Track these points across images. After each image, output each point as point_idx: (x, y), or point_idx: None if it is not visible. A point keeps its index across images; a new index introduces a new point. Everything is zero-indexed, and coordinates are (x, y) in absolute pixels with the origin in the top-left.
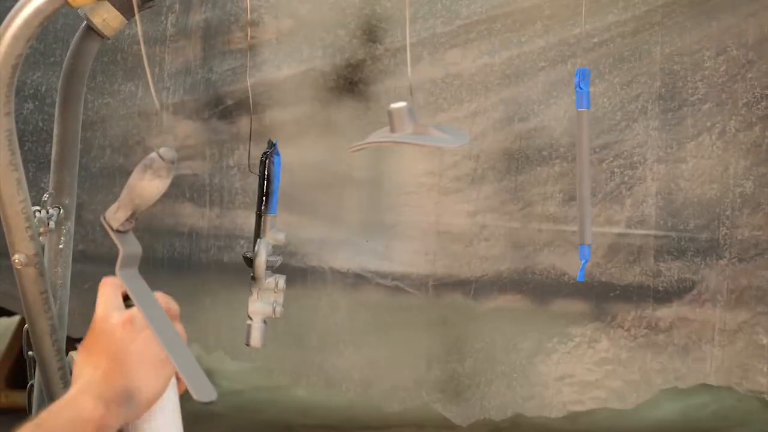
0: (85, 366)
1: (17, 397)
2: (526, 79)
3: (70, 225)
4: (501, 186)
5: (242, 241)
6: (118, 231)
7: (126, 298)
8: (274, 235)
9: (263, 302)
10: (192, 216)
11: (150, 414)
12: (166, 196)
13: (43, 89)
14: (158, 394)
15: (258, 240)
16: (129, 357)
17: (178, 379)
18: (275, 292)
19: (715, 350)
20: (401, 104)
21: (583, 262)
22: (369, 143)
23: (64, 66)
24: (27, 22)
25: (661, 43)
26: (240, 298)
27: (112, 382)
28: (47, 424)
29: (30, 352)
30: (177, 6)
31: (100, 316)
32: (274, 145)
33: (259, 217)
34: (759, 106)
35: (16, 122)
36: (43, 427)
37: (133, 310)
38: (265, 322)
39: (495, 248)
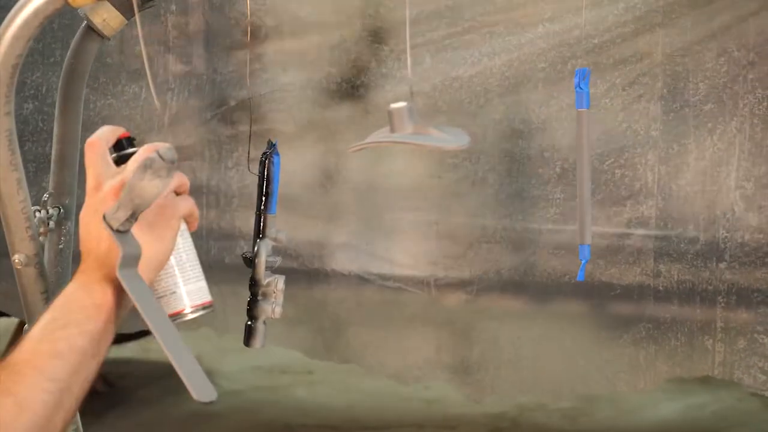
0: (87, 243)
1: None
2: (527, 80)
3: (70, 225)
4: (501, 188)
5: (241, 242)
6: (118, 231)
7: (115, 147)
8: (273, 236)
9: (262, 303)
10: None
11: (165, 271)
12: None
13: (44, 89)
14: (167, 255)
15: (257, 240)
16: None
17: (187, 222)
18: (274, 292)
19: (716, 350)
20: (401, 104)
21: (583, 262)
22: (369, 143)
23: (64, 66)
24: (27, 23)
25: (662, 44)
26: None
27: (117, 257)
28: (60, 317)
29: None
30: (179, 8)
31: (93, 186)
32: (274, 145)
33: (258, 217)
34: (760, 107)
35: (16, 122)
36: (57, 322)
37: (126, 174)
38: (264, 322)
39: (496, 250)
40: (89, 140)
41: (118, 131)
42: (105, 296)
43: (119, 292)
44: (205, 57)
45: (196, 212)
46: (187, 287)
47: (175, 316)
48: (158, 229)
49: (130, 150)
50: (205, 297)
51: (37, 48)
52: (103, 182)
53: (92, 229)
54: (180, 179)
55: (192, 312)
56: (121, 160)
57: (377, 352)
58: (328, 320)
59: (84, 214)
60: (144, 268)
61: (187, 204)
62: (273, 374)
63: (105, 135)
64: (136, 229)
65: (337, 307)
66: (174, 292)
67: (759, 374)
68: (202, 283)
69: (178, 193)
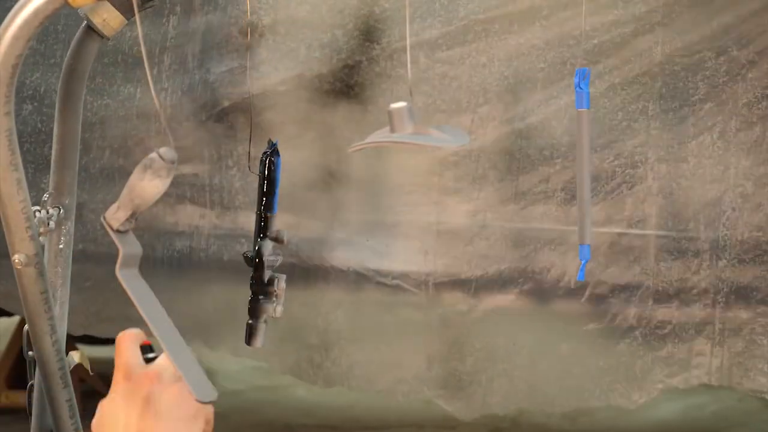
0: (114, 430)
1: (17, 397)
2: (525, 79)
3: (70, 225)
4: (501, 186)
5: (243, 240)
6: (118, 231)
7: (144, 350)
8: (274, 235)
9: (264, 302)
10: (192, 216)
11: None
12: (167, 195)
13: (42, 90)
14: None
15: (258, 239)
16: (160, 416)
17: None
18: (275, 291)
19: (715, 349)
20: (401, 104)
21: (583, 262)
22: (369, 143)
23: (63, 66)
24: (27, 23)
25: (662, 44)
26: (241, 297)
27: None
28: None
29: (30, 352)
30: (177, 8)
31: (124, 374)
32: (275, 144)
33: (259, 216)
34: (759, 106)
35: (15, 123)
36: None
37: (159, 364)
38: (265, 321)
39: (495, 247)
40: (121, 334)
41: (141, 336)
42: None
43: None
44: (203, 58)
45: (211, 418)
46: None
47: None
48: (184, 424)
49: (153, 355)
50: None
51: (39, 49)
52: (134, 370)
53: (120, 417)
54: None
55: None
56: (146, 362)
57: (374, 358)
58: (317, 337)
59: (110, 401)
60: None
61: (209, 407)
62: (273, 374)
63: (135, 332)
64: (162, 424)
65: (330, 314)
66: None
67: (759, 377)
68: None
69: None
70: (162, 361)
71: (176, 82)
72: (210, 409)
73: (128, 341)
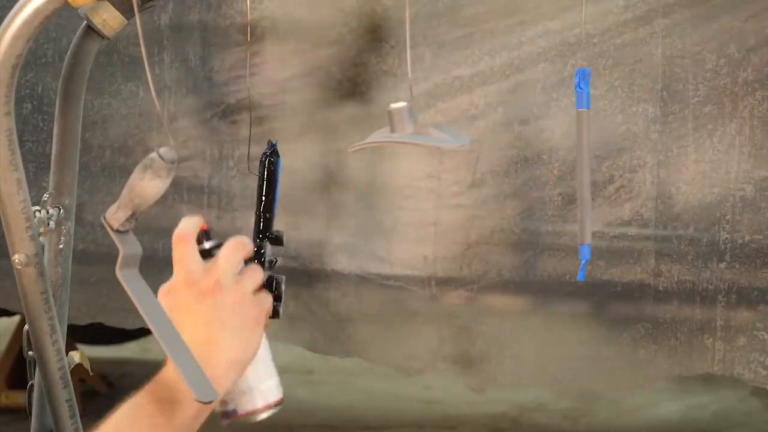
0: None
1: (17, 397)
2: (526, 80)
3: (70, 225)
4: (501, 188)
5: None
6: (118, 231)
7: (201, 240)
8: (273, 236)
9: None
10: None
11: (250, 366)
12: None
13: (39, 89)
14: (257, 349)
15: (257, 240)
16: (226, 324)
17: None
18: (275, 292)
19: (716, 348)
20: (401, 104)
21: (583, 261)
22: (369, 143)
23: (64, 66)
24: (27, 22)
25: (662, 45)
26: None
27: (216, 356)
28: (128, 426)
29: (30, 352)
30: (175, 6)
31: (184, 280)
32: (274, 145)
33: (258, 217)
34: (760, 108)
35: (16, 122)
36: (155, 394)
37: (218, 268)
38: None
39: (496, 251)
40: (178, 234)
41: (199, 223)
42: (185, 414)
43: (220, 383)
44: (204, 56)
45: (271, 309)
46: (263, 385)
47: (249, 415)
48: (249, 330)
49: (211, 243)
50: (277, 395)
51: (30, 47)
52: (197, 279)
53: (186, 328)
54: (257, 279)
55: (264, 410)
56: (205, 254)
57: (378, 349)
58: (330, 316)
59: (173, 309)
60: (232, 366)
61: (268, 300)
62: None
63: (192, 228)
64: (228, 333)
65: (338, 305)
66: (251, 389)
67: (760, 369)
68: (276, 379)
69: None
70: (221, 260)
71: (180, 81)
72: (268, 303)
73: (187, 243)
